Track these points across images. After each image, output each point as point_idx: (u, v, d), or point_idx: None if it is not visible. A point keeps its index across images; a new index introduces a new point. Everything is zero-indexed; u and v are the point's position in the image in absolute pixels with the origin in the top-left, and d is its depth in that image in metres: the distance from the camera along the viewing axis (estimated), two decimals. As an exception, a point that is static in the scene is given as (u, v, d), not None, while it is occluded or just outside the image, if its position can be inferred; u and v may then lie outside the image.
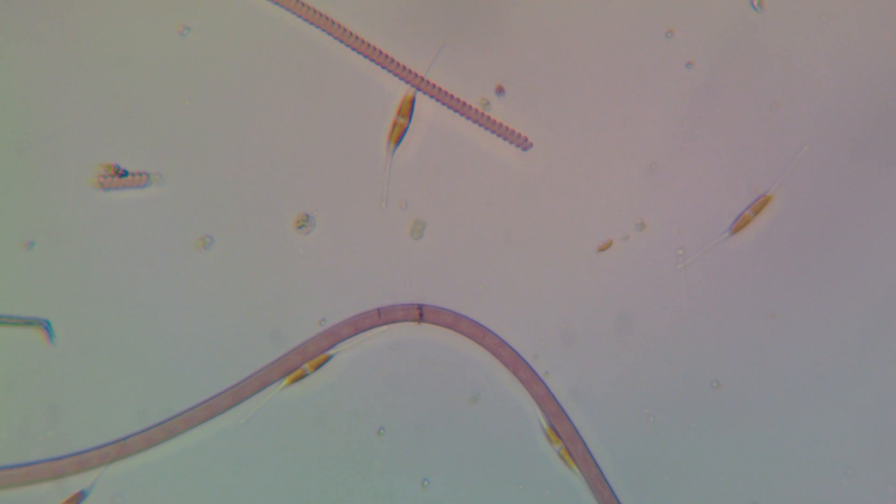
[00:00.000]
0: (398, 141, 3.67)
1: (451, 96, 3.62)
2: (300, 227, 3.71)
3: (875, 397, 3.67)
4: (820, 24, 3.69)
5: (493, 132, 3.59)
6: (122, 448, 3.61)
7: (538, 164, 3.71)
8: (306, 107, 3.72)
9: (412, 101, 3.67)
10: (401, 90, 3.69)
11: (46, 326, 3.62)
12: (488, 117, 3.57)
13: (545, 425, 3.67)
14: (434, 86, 3.62)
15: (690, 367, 3.69)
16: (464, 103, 3.59)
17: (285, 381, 3.67)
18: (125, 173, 3.65)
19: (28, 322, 3.62)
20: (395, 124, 3.67)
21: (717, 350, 3.69)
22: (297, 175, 3.72)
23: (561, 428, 3.66)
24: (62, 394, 3.63)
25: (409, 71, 3.62)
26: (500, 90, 3.71)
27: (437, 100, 3.60)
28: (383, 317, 3.68)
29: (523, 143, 3.50)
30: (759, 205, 3.66)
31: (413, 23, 3.71)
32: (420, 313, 3.69)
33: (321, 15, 3.65)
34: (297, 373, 3.67)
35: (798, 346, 3.69)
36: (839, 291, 3.70)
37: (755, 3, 3.68)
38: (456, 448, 3.70)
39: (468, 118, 3.62)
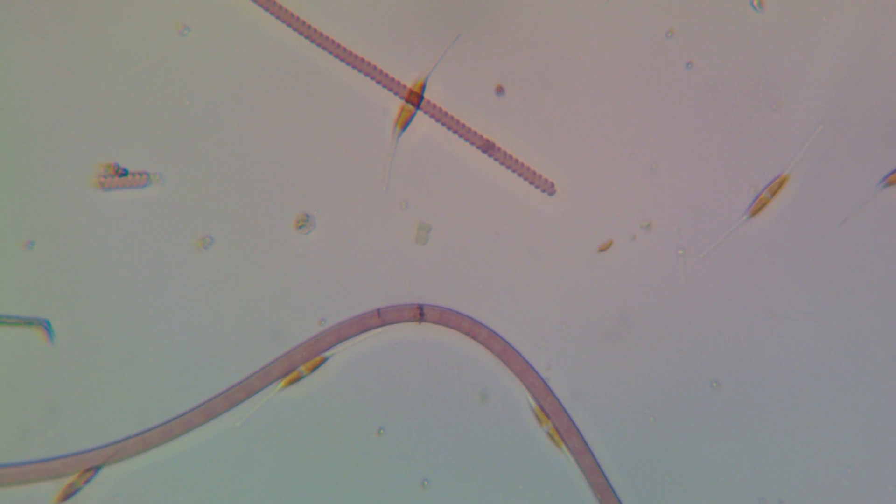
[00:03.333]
0: (405, 126, 3.67)
1: (479, 135, 3.62)
2: (300, 227, 3.71)
3: (875, 397, 3.67)
4: (820, 24, 3.69)
5: (517, 174, 3.60)
6: (122, 449, 3.61)
7: (538, 164, 3.71)
8: (306, 107, 3.72)
9: (422, 88, 3.66)
10: (409, 82, 3.68)
11: (46, 326, 3.62)
12: (515, 159, 3.57)
13: (533, 405, 3.67)
14: (457, 121, 3.62)
15: (690, 367, 3.69)
16: (491, 144, 3.59)
17: (281, 383, 3.67)
18: (125, 173, 3.65)
19: (28, 322, 3.62)
20: (402, 109, 3.67)
21: (717, 350, 3.69)
22: (297, 175, 3.72)
23: (565, 433, 3.67)
24: (62, 394, 3.63)
25: (438, 108, 3.63)
26: (499, 90, 3.71)
27: (464, 138, 3.61)
28: (383, 317, 3.68)
29: (548, 188, 3.50)
30: (776, 185, 3.65)
31: (411, 24, 3.71)
32: (420, 313, 3.69)
33: (321, 34, 3.65)
34: (294, 374, 3.66)
35: (798, 346, 3.69)
36: (839, 291, 3.70)
37: (755, 3, 3.68)
38: (456, 448, 3.70)
39: (494, 158, 3.62)
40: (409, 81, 3.68)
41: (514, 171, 3.61)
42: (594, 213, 3.73)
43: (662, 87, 3.72)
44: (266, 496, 3.68)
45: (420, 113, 3.69)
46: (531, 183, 3.56)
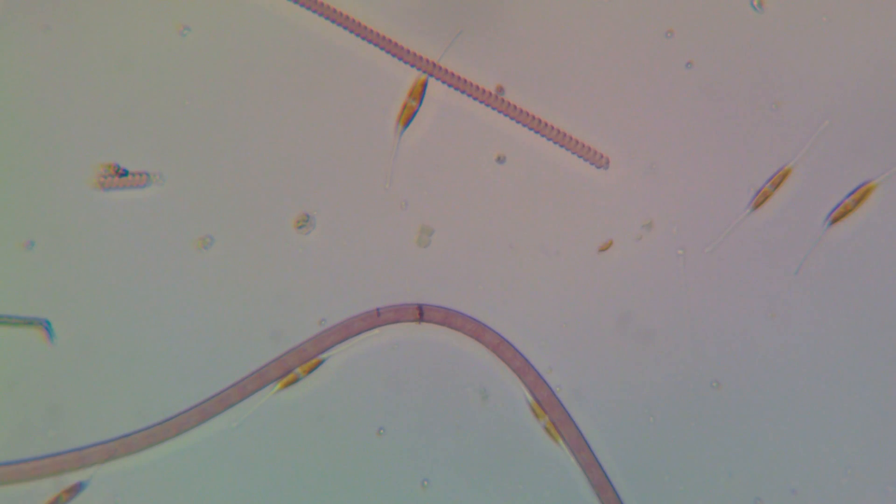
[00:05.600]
0: (407, 123, 3.67)
1: (527, 113, 3.61)
2: (300, 227, 3.71)
3: (875, 397, 3.67)
4: (820, 24, 3.69)
5: (568, 150, 3.57)
6: (121, 446, 3.61)
7: (538, 164, 3.71)
8: (307, 107, 3.72)
9: (424, 85, 3.66)
10: (408, 79, 3.69)
11: (46, 326, 3.62)
12: (565, 134, 3.55)
13: (530, 399, 3.67)
14: (507, 103, 3.61)
15: (690, 367, 3.69)
16: (539, 120, 3.57)
17: (278, 385, 3.66)
18: (125, 173, 3.65)
19: (28, 322, 3.62)
20: (405, 106, 3.67)
21: (717, 350, 3.69)
22: (296, 175, 3.72)
23: (565, 431, 3.67)
24: (62, 394, 3.63)
25: (482, 89, 3.61)
26: (499, 90, 3.71)
27: (478, 99, 3.58)
28: (383, 316, 3.68)
29: (600, 161, 3.48)
30: (779, 178, 3.65)
31: (411, 23, 3.71)
32: (420, 313, 3.69)
33: (332, 8, 3.65)
34: (290, 377, 3.66)
35: (798, 346, 3.69)
36: (839, 290, 3.70)
37: (755, 3, 3.69)
38: (456, 448, 3.70)
39: (543, 135, 3.60)
40: (412, 81, 3.69)
41: (561, 145, 3.57)
42: (594, 213, 3.73)
43: (662, 87, 3.72)
44: (266, 497, 3.68)
45: (420, 110, 3.69)
46: (582, 156, 3.52)
